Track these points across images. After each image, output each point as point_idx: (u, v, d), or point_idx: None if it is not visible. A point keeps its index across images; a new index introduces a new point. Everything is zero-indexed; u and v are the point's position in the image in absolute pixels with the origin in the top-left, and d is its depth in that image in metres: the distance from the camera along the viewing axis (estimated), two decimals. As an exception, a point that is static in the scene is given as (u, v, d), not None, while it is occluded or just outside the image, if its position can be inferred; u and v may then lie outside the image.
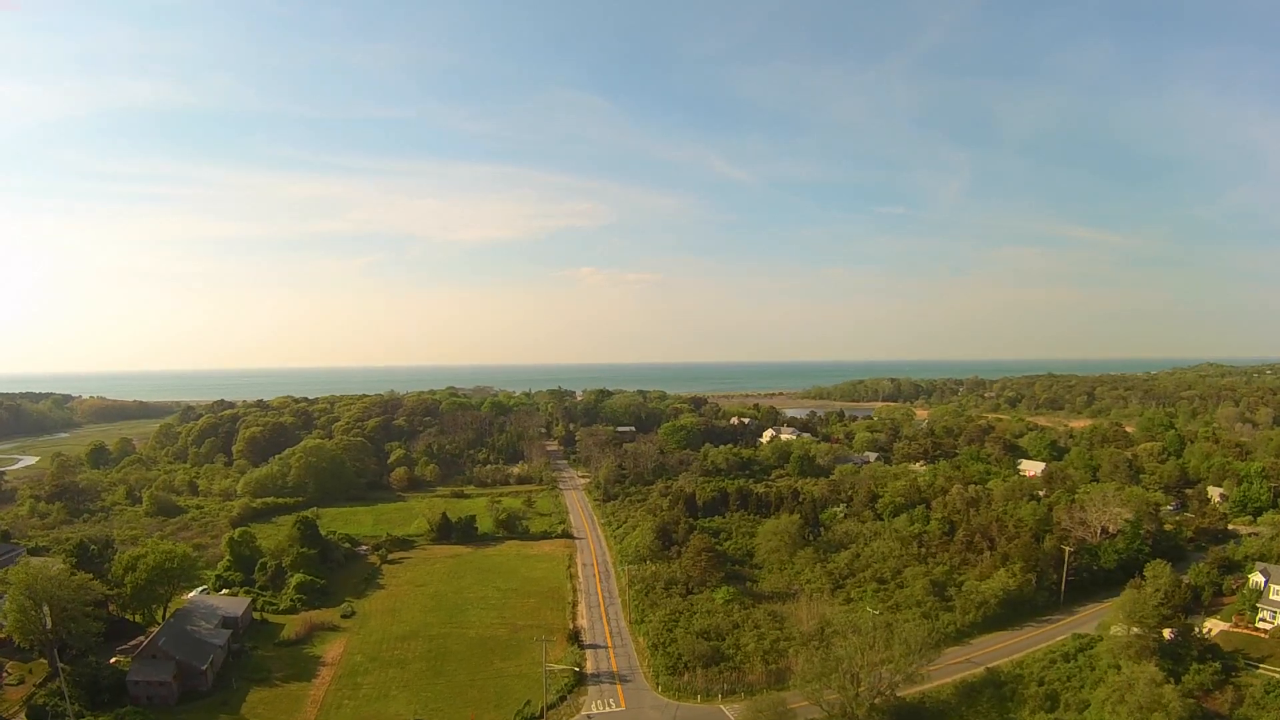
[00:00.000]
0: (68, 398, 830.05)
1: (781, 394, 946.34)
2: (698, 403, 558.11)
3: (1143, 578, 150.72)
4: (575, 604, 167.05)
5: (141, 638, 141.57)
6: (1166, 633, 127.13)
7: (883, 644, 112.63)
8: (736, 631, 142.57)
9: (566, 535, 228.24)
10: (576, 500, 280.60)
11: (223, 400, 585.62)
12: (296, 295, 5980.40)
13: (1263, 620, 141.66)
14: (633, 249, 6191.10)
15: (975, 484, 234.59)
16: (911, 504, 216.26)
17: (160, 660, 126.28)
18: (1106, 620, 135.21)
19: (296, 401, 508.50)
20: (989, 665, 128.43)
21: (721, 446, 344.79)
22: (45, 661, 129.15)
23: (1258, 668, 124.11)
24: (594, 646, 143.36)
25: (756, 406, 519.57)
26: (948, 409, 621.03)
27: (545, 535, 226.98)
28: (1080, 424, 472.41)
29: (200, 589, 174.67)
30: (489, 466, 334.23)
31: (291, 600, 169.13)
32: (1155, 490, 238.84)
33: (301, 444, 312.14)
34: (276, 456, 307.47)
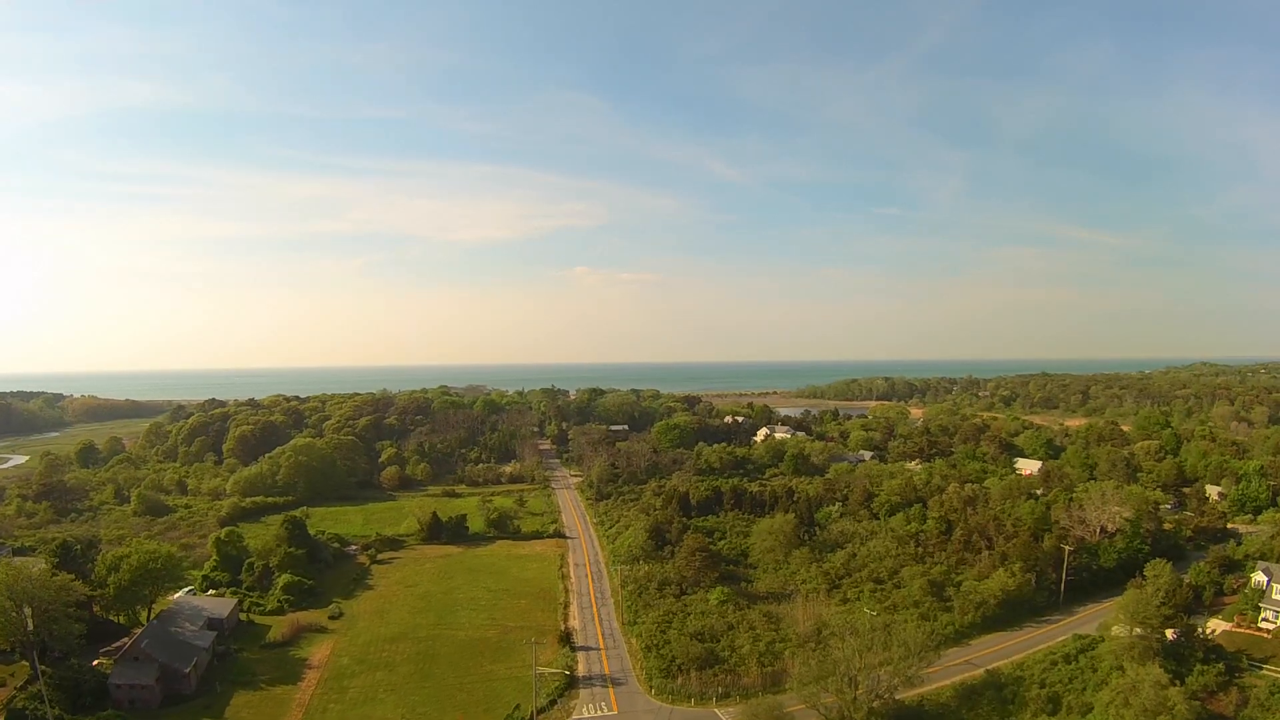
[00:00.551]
0: (59, 397, 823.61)
1: (776, 393, 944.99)
2: (691, 401, 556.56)
3: (1143, 577, 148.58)
4: (567, 605, 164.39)
5: (125, 640, 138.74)
6: (1169, 633, 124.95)
7: (881, 646, 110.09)
8: (731, 633, 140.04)
9: (559, 535, 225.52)
10: (569, 499, 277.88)
11: (214, 399, 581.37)
12: (294, 295, 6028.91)
13: (1265, 620, 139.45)
14: (630, 249, 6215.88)
15: (972, 482, 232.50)
16: (908, 503, 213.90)
17: (143, 663, 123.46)
18: (1107, 621, 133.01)
19: (288, 400, 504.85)
20: (989, 667, 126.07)
21: (715, 445, 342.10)
22: (26, 664, 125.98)
23: (1261, 668, 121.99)
24: (586, 648, 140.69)
25: (750, 405, 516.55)
26: (942, 408, 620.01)
27: (537, 535, 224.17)
28: (1075, 423, 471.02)
29: (187, 590, 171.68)
30: (481, 465, 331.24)
31: (279, 601, 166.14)
32: (1153, 489, 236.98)
33: (291, 443, 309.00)
34: (266, 455, 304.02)
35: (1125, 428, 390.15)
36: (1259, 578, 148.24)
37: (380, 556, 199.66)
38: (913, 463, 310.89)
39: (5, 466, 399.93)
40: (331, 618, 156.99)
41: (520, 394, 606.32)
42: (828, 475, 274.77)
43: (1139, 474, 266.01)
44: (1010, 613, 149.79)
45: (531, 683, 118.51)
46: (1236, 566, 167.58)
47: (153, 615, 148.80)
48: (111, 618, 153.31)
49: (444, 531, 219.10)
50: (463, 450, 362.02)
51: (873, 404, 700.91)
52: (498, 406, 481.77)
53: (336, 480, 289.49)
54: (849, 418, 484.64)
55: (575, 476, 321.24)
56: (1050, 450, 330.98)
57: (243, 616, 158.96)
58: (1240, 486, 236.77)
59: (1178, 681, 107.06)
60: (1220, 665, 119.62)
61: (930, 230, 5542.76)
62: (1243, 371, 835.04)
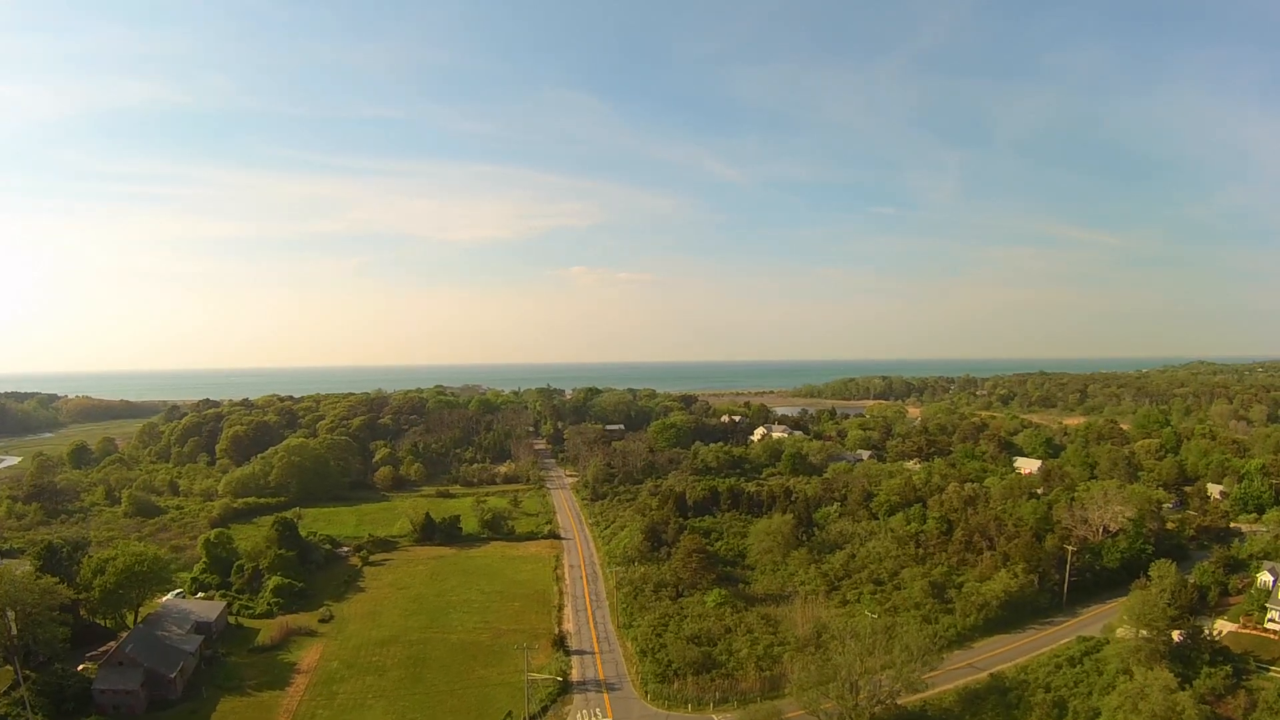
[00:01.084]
0: (53, 397, 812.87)
1: (772, 392, 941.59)
2: (688, 401, 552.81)
3: (1147, 578, 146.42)
4: (561, 607, 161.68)
5: (111, 644, 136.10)
6: (1175, 635, 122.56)
7: (882, 650, 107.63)
8: (729, 636, 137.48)
9: (553, 535, 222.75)
10: (564, 500, 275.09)
11: (208, 399, 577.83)
12: (292, 295, 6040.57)
13: (1272, 621, 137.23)
14: (627, 249, 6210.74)
15: (972, 482, 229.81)
16: (907, 503, 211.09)
17: (127, 668, 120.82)
18: (1112, 622, 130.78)
19: (281, 400, 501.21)
20: (992, 670, 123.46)
21: (712, 445, 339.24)
22: (10, 669, 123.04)
23: (1269, 670, 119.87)
24: (580, 652, 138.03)
25: (747, 404, 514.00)
26: (940, 407, 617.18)
27: (531, 536, 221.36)
28: (1074, 421, 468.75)
29: (175, 592, 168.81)
30: (475, 465, 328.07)
31: (268, 604, 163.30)
32: (1155, 488, 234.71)
33: (285, 443, 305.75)
34: (259, 456, 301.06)
35: (1124, 426, 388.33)
36: (1265, 578, 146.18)
37: (372, 558, 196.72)
38: (911, 462, 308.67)
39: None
40: (322, 621, 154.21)
41: (516, 394, 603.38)
42: (825, 475, 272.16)
43: (1140, 473, 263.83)
44: (1013, 614, 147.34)
45: (524, 688, 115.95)
46: (1240, 566, 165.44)
47: (139, 619, 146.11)
48: (98, 621, 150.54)
49: (437, 532, 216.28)
50: (457, 450, 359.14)
51: (870, 403, 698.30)
52: (493, 406, 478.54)
53: (330, 481, 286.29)
54: (846, 417, 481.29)
55: (571, 476, 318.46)
56: (1050, 449, 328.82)
57: (232, 619, 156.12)
58: (1242, 485, 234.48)
59: (1186, 685, 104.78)
60: (1228, 667, 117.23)
61: (928, 230, 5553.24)
62: (1240, 370, 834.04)
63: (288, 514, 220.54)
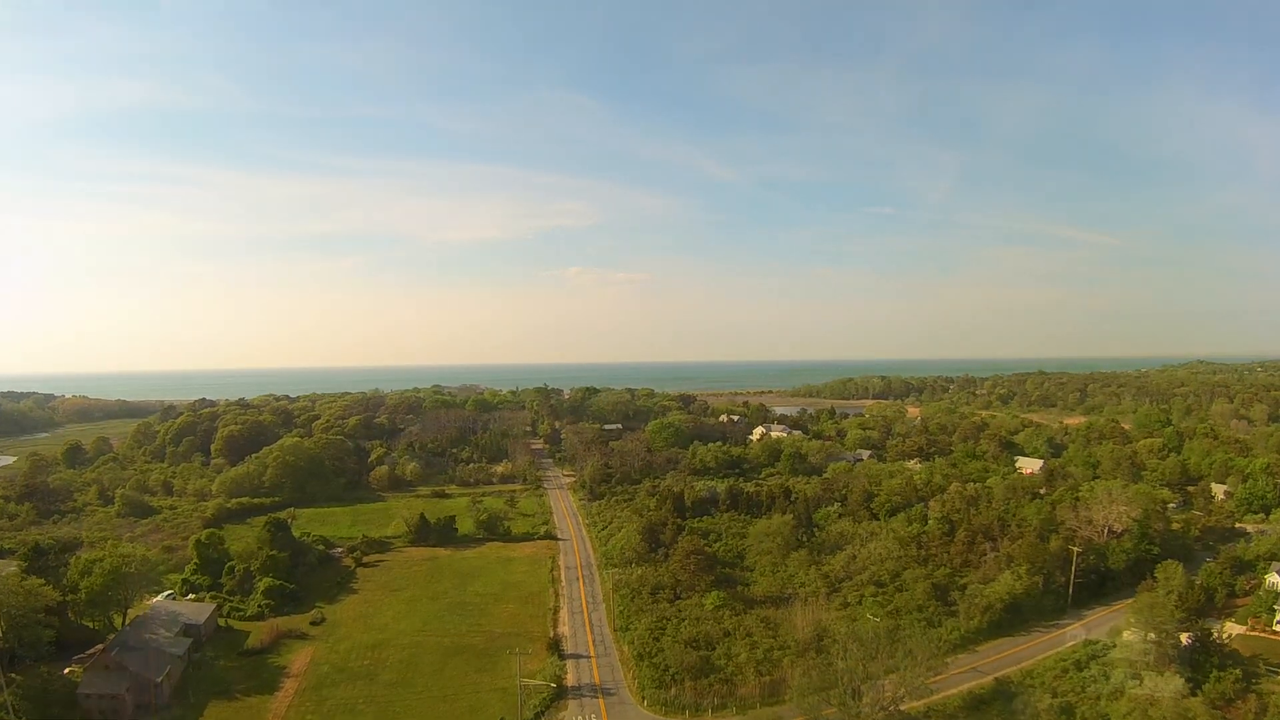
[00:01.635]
0: (50, 397, 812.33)
1: (771, 392, 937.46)
2: (686, 400, 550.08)
3: (1154, 579, 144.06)
4: (557, 610, 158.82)
5: (99, 647, 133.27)
6: (1184, 638, 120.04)
7: (885, 654, 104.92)
8: (727, 640, 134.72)
9: (550, 536, 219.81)
10: (561, 500, 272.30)
11: (204, 399, 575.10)
12: (288, 295, 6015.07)
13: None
14: (623, 249, 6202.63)
15: (973, 482, 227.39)
16: (908, 503, 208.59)
17: (113, 672, 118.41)
18: (1119, 625, 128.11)
19: (277, 400, 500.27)
20: (997, 675, 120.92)
21: (710, 445, 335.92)
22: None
23: (1278, 674, 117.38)
24: (576, 656, 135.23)
25: (746, 404, 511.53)
26: (940, 406, 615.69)
27: (527, 536, 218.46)
28: (1074, 421, 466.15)
29: (166, 594, 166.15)
30: (472, 465, 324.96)
31: (259, 606, 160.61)
32: (1158, 487, 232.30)
33: (279, 443, 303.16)
34: (253, 456, 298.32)
35: (1125, 426, 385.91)
36: (1273, 579, 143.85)
37: (366, 559, 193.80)
38: (912, 461, 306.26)
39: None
40: (313, 623, 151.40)
41: (513, 393, 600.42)
42: (825, 475, 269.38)
43: (1142, 472, 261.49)
44: (1017, 617, 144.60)
45: (518, 694, 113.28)
46: (1247, 567, 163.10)
47: (128, 621, 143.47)
48: (86, 623, 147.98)
49: (432, 533, 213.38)
50: (453, 450, 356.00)
51: (869, 403, 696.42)
52: (490, 405, 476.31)
53: (325, 481, 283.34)
54: (845, 417, 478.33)
55: (568, 477, 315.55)
56: (1051, 449, 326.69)
57: (222, 622, 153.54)
58: (1247, 485, 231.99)
59: (1196, 690, 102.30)
60: (1237, 671, 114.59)
61: (924, 229, 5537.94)
62: (1240, 369, 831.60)
63: (281, 514, 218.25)
